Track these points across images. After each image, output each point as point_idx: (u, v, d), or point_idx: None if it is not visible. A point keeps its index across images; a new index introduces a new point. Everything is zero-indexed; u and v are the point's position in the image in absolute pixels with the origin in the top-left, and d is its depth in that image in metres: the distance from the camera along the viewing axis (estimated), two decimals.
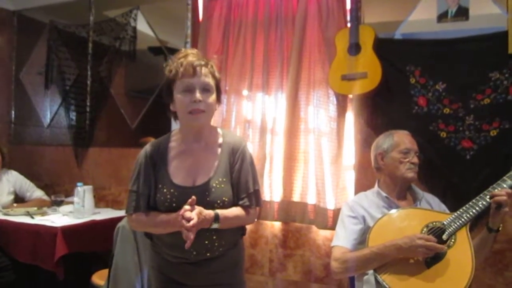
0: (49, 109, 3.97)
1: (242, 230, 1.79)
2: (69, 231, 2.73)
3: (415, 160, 1.96)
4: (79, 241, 2.77)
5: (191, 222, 1.46)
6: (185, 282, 1.70)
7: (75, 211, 2.98)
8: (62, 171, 3.81)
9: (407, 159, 1.95)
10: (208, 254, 1.65)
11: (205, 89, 1.60)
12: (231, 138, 1.73)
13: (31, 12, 4.03)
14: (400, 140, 2.01)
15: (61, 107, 3.88)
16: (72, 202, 3.05)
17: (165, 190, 1.63)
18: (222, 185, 1.65)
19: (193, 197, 1.53)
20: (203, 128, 1.69)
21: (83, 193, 2.99)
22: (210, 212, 1.56)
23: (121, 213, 3.21)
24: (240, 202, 1.68)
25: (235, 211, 1.66)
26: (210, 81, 1.62)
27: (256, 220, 2.22)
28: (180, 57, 1.64)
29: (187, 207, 1.51)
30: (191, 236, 1.47)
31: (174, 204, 1.61)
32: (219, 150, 1.69)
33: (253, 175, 1.72)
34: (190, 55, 1.64)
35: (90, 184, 3.23)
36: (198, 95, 1.58)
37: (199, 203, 1.55)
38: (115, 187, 3.58)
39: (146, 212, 1.65)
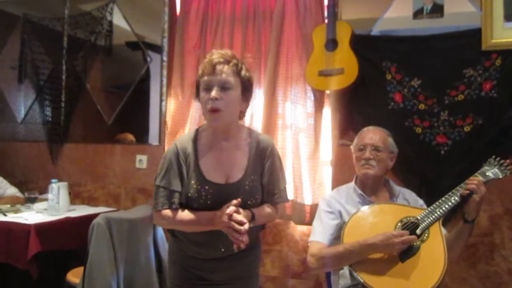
0: (23, 105, 3.88)
1: (263, 224, 1.82)
2: (43, 229, 2.67)
3: (367, 155, 1.94)
4: (53, 239, 2.72)
5: (246, 226, 1.50)
6: (209, 278, 1.72)
7: (49, 208, 2.92)
8: (37, 167, 3.74)
9: (361, 156, 1.96)
10: (235, 250, 1.67)
11: (224, 87, 1.57)
12: (260, 137, 1.74)
13: (4, 5, 3.93)
14: (359, 138, 2.02)
15: (35, 103, 3.80)
16: (46, 199, 2.99)
17: (199, 187, 1.62)
18: (254, 183, 1.67)
19: (239, 199, 1.55)
20: (229, 127, 1.67)
21: (58, 190, 2.94)
22: (248, 212, 1.59)
23: (97, 210, 3.19)
24: (273, 199, 1.72)
25: (267, 209, 1.71)
26: (231, 79, 1.58)
27: None
28: (207, 57, 1.63)
29: (232, 208, 1.52)
30: (245, 238, 1.50)
31: (209, 202, 1.61)
32: (248, 148, 1.70)
33: (282, 173, 1.77)
34: (215, 54, 1.61)
35: (65, 180, 3.17)
36: (213, 92, 1.55)
37: (232, 200, 1.57)
38: (91, 184, 3.53)
39: (177, 209, 1.63)
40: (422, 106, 2.53)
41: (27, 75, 3.82)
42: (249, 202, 1.64)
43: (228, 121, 1.63)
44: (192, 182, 1.62)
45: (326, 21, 2.69)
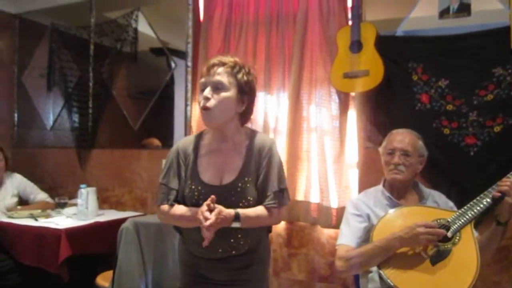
0: (52, 112, 3.98)
1: (268, 227, 1.81)
2: (73, 233, 2.73)
3: (396, 160, 1.92)
4: (83, 243, 2.77)
5: (207, 222, 1.49)
6: (210, 277, 1.74)
7: (79, 213, 2.98)
8: (66, 173, 3.82)
9: (390, 160, 1.94)
10: (233, 252, 1.69)
11: (216, 88, 1.62)
12: (259, 138, 1.73)
13: (33, 15, 4.04)
14: (388, 141, 1.99)
15: (63, 110, 3.89)
16: (75, 204, 3.05)
17: (193, 187, 1.67)
18: (248, 185, 1.66)
19: (212, 196, 1.55)
20: (226, 128, 1.69)
21: (87, 195, 2.99)
22: (230, 211, 1.56)
23: (125, 214, 3.23)
24: (265, 201, 1.67)
25: (258, 210, 1.66)
26: (224, 80, 1.62)
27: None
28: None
29: (205, 206, 1.54)
30: (207, 234, 1.51)
31: (200, 202, 1.62)
32: (246, 150, 1.70)
33: (279, 174, 1.70)
34: (215, 58, 1.68)
35: (93, 185, 3.23)
36: (206, 92, 1.61)
37: (224, 202, 1.58)
38: (118, 189, 3.58)
39: (172, 205, 1.70)
40: (450, 107, 2.49)
41: (56, 83, 3.92)
42: (240, 204, 1.63)
43: (220, 120, 1.65)
44: (189, 182, 1.68)
45: (350, 22, 2.68)
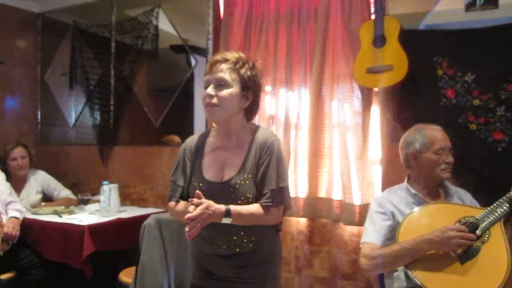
0: (74, 109, 4.01)
1: (275, 226, 1.77)
2: (96, 230, 2.76)
3: (450, 159, 1.89)
4: (106, 239, 2.80)
5: (187, 215, 1.50)
6: (216, 273, 1.75)
7: (101, 210, 3.01)
8: (88, 170, 3.86)
9: (442, 159, 1.89)
10: (237, 250, 1.68)
11: (219, 84, 1.63)
12: (262, 134, 1.71)
13: (55, 14, 4.09)
14: (434, 139, 1.92)
15: (85, 107, 3.92)
16: (98, 201, 3.08)
17: (195, 184, 1.69)
18: (247, 182, 1.65)
19: (197, 191, 1.56)
20: (230, 125, 1.69)
21: (109, 192, 3.02)
22: (220, 207, 1.56)
23: (147, 211, 3.25)
24: (261, 200, 1.63)
25: (251, 208, 1.62)
26: (227, 76, 1.63)
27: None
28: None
29: (193, 200, 1.55)
30: (188, 228, 1.50)
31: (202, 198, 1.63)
32: (248, 147, 1.69)
33: (279, 172, 1.65)
34: (219, 54, 1.69)
35: (115, 182, 3.25)
36: (209, 89, 1.63)
37: (225, 199, 1.59)
38: (139, 185, 3.60)
39: (178, 202, 1.74)
40: (476, 102, 2.43)
41: (78, 81, 3.96)
42: (239, 201, 1.62)
43: (224, 117, 1.66)
44: (193, 178, 1.71)
45: (373, 17, 2.63)
